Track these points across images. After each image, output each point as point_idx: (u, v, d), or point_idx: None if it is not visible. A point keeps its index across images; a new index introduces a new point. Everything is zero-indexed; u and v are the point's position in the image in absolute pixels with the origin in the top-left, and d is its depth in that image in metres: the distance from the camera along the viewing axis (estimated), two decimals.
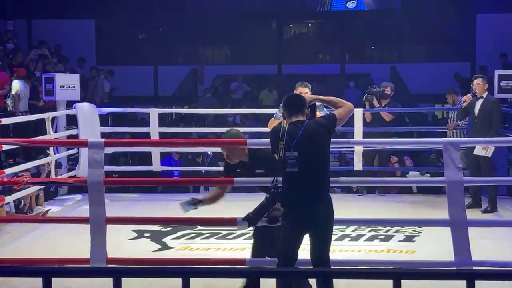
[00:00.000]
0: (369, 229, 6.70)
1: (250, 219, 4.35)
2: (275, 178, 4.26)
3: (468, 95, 7.99)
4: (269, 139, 4.38)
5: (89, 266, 4.65)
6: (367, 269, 2.49)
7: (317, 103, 5.72)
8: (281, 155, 4.18)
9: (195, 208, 4.73)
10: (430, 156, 10.11)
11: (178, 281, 2.44)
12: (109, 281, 2.38)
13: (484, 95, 7.72)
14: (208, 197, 4.86)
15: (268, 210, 4.34)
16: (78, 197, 8.47)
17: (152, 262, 4.79)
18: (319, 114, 6.58)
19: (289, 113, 4.29)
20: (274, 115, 6.64)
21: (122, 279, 2.37)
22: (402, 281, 2.30)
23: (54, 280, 2.40)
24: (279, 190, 4.23)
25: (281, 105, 6.15)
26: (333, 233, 6.50)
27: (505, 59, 14.50)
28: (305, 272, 2.43)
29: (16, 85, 10.21)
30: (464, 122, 8.36)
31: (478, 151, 7.47)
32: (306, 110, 4.34)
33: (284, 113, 4.33)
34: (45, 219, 6.77)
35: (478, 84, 7.75)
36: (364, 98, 8.91)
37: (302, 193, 4.14)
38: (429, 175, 9.07)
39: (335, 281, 2.32)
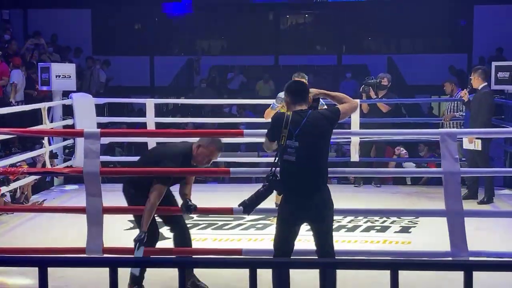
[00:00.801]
0: (365, 220, 6.71)
1: (245, 206, 4.33)
2: (273, 167, 4.25)
3: (464, 90, 7.99)
4: (269, 127, 4.32)
5: (85, 256, 4.64)
6: (364, 260, 2.48)
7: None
8: (282, 143, 4.15)
9: (194, 210, 4.74)
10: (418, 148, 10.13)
11: (174, 271, 2.43)
12: (105, 271, 2.37)
13: (480, 86, 7.70)
14: (186, 191, 4.83)
15: (265, 198, 4.32)
16: (74, 187, 8.46)
17: (149, 252, 4.77)
18: (320, 107, 6.60)
19: (292, 100, 4.25)
20: (271, 105, 6.63)
21: (119, 269, 2.36)
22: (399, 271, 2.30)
23: (50, 269, 2.39)
24: (277, 178, 4.21)
25: (279, 95, 6.14)
26: None
27: (501, 53, 14.50)
28: (300, 263, 2.42)
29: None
30: (461, 114, 8.36)
31: (466, 145, 7.47)
32: (310, 101, 4.31)
33: (288, 99, 4.29)
34: (41, 209, 6.76)
35: (471, 78, 7.78)
36: (361, 89, 8.90)
37: (299, 182, 4.13)
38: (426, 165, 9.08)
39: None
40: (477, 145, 7.42)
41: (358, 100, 4.56)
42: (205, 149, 4.66)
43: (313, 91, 4.42)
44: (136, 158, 9.43)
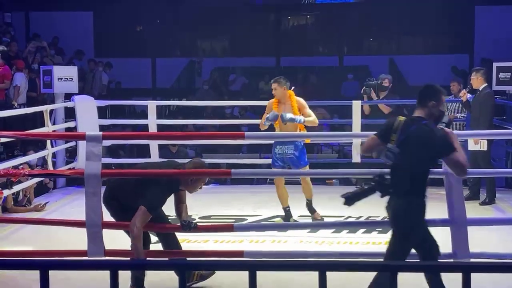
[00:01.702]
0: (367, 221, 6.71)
1: (347, 198, 4.31)
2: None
3: (463, 90, 7.99)
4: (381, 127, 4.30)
5: (86, 258, 4.65)
6: (363, 262, 2.49)
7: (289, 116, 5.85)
8: (386, 145, 4.17)
9: (194, 228, 4.74)
10: None
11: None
12: (107, 273, 2.38)
13: (481, 87, 7.70)
14: (182, 215, 4.82)
15: (367, 196, 4.27)
16: (76, 189, 8.47)
17: (150, 254, 4.79)
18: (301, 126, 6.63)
19: (417, 102, 4.23)
20: (265, 121, 6.68)
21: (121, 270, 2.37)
22: (399, 273, 2.31)
23: (52, 272, 2.40)
24: (383, 180, 4.16)
25: (273, 112, 6.24)
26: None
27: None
28: (300, 265, 2.43)
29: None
30: (462, 115, 8.36)
31: (472, 146, 7.47)
32: (434, 108, 4.17)
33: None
34: (40, 221, 6.52)
35: (472, 78, 7.77)
36: (362, 91, 8.91)
37: (393, 188, 4.12)
38: None
39: (332, 273, 2.33)
40: (483, 146, 7.42)
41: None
42: (201, 181, 4.70)
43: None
44: (138, 160, 9.51)
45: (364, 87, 8.86)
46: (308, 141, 6.65)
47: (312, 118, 6.69)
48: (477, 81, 7.69)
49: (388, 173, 4.17)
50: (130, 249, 4.53)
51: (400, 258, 4.08)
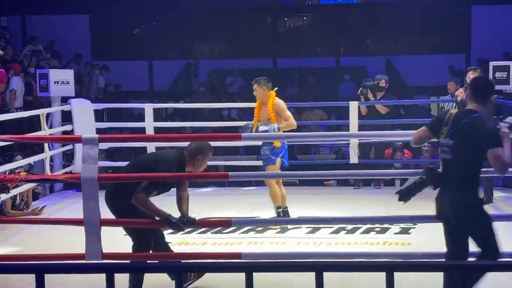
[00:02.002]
0: None
1: (402, 194, 4.34)
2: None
3: (460, 89, 7.98)
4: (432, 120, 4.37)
5: (82, 262, 4.64)
6: (360, 262, 2.49)
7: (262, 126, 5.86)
8: (438, 140, 4.22)
9: (193, 223, 4.73)
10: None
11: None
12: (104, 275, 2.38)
13: None
14: (183, 208, 4.82)
15: (421, 190, 4.28)
16: (73, 192, 8.46)
17: (148, 257, 4.78)
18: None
19: (469, 94, 4.24)
20: (241, 130, 6.68)
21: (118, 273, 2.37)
22: (396, 273, 2.30)
23: (51, 276, 2.40)
24: (434, 173, 4.21)
25: (248, 124, 6.33)
26: (329, 226, 6.60)
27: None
28: (296, 265, 2.42)
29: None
30: None
31: None
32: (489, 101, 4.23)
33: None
34: (38, 221, 6.60)
35: (469, 76, 7.75)
36: (359, 92, 8.91)
37: (448, 181, 4.15)
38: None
39: (330, 274, 2.32)
40: None
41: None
42: (206, 157, 4.78)
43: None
44: None
45: (361, 88, 8.87)
46: (277, 143, 6.60)
47: (287, 122, 6.59)
48: None
49: (437, 165, 4.22)
50: (148, 218, 4.60)
51: (465, 253, 4.14)
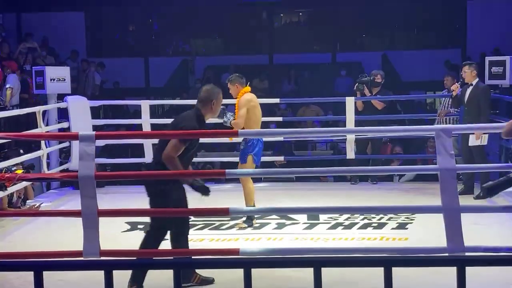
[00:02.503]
0: (362, 217, 6.72)
1: (489, 189, 4.27)
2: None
3: (456, 84, 7.99)
4: None
5: (80, 259, 4.64)
6: (358, 257, 2.49)
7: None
8: None
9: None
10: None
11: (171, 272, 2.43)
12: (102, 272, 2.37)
13: (474, 82, 7.71)
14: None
15: (510, 186, 4.23)
16: (70, 190, 8.45)
17: (146, 254, 4.78)
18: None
19: None
20: (225, 122, 6.64)
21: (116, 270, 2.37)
22: (394, 268, 2.31)
23: (49, 273, 2.39)
24: None
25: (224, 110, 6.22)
26: (326, 221, 6.61)
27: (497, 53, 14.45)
28: (294, 261, 2.43)
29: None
30: (455, 109, 8.35)
31: (473, 142, 7.47)
32: None
33: None
34: (36, 213, 6.75)
35: (465, 71, 7.75)
36: (355, 88, 8.90)
37: None
38: None
39: (328, 269, 2.33)
40: (484, 140, 7.43)
41: None
42: (218, 97, 5.06)
43: None
44: (132, 160, 9.49)
45: (357, 84, 8.86)
46: (231, 139, 6.62)
47: (235, 121, 6.50)
48: (471, 75, 7.69)
49: None
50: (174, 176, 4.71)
51: None
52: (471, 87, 7.70)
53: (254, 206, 6.54)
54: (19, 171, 7.09)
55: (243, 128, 6.46)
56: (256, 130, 6.58)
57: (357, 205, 6.71)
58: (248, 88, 6.73)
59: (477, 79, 7.73)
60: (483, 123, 7.23)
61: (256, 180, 9.49)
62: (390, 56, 16.49)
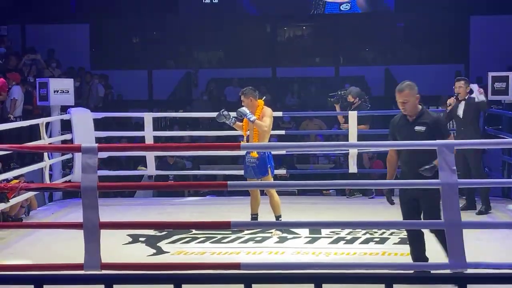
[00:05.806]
0: (364, 231, 6.70)
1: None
2: None
3: (452, 98, 7.98)
4: None
5: (81, 272, 4.63)
6: (358, 274, 2.48)
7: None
8: None
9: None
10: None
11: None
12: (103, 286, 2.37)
13: (467, 96, 7.73)
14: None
15: None
16: (72, 201, 8.45)
17: (147, 267, 4.77)
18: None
19: None
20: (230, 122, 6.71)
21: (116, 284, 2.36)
22: (395, 285, 2.30)
23: (49, 286, 2.39)
24: None
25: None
26: (328, 235, 6.60)
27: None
28: (297, 277, 2.42)
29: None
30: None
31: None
32: None
33: None
34: (37, 225, 6.73)
35: (460, 87, 7.73)
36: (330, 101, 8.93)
37: None
38: None
39: (329, 286, 2.32)
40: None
41: None
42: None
43: None
44: (135, 172, 9.48)
45: (329, 99, 8.90)
46: (254, 154, 6.68)
47: (261, 122, 6.66)
48: (465, 90, 7.72)
49: None
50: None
51: None
52: (463, 103, 7.71)
53: (281, 216, 6.71)
54: (14, 181, 7.06)
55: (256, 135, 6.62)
56: (259, 144, 6.60)
57: (359, 220, 6.69)
58: (262, 102, 6.80)
59: (469, 95, 7.76)
60: (475, 135, 7.40)
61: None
62: (393, 70, 16.51)
